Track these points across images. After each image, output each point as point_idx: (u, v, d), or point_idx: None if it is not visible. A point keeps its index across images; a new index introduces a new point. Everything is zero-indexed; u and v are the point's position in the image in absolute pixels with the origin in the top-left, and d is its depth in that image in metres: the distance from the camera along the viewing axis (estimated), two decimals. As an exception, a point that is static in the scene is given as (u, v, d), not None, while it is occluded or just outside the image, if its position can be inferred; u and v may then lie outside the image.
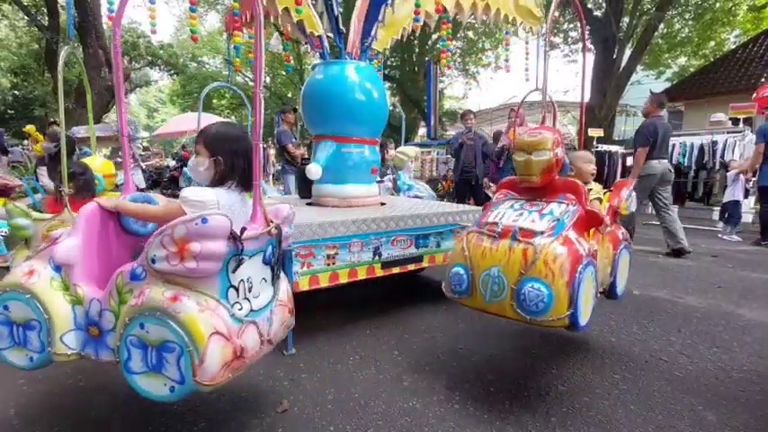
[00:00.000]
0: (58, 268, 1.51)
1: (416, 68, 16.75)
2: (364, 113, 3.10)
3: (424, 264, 2.94)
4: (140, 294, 1.34)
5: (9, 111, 15.37)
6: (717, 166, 7.88)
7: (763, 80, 10.78)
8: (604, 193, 2.31)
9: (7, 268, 3.07)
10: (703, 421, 1.76)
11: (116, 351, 1.39)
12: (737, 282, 3.85)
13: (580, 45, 14.61)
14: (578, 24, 13.72)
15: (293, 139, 6.13)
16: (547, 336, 2.53)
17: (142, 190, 6.42)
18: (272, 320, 1.56)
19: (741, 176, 6.05)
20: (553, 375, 2.13)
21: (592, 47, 13.12)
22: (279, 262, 1.63)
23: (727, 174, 6.37)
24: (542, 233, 1.75)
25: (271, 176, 7.54)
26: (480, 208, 2.64)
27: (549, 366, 2.22)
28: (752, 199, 7.10)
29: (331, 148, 3.07)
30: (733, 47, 14.28)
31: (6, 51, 17.22)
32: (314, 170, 2.96)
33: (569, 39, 15.22)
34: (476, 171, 5.81)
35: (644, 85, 15.09)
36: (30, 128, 6.51)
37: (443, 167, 11.10)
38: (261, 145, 1.48)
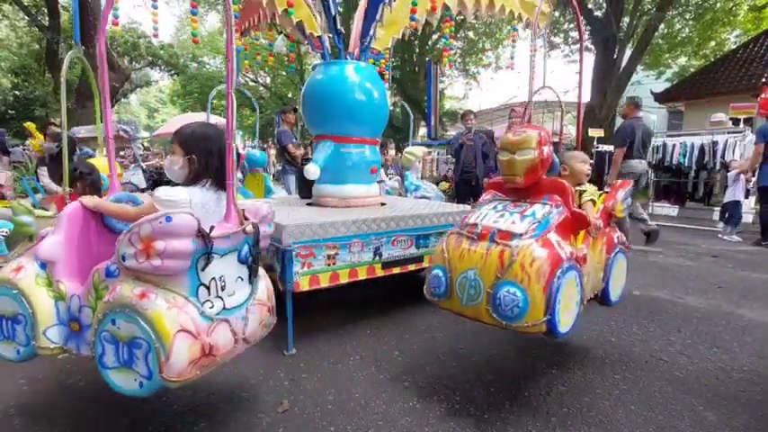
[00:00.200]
0: (43, 265, 1.57)
1: (416, 68, 16.75)
2: (364, 114, 3.10)
3: (425, 264, 2.94)
4: (113, 291, 1.38)
5: (10, 111, 15.38)
6: (717, 167, 7.87)
7: (763, 80, 10.77)
8: (600, 195, 2.23)
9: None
10: (704, 421, 1.76)
11: (92, 346, 1.43)
12: (738, 282, 3.85)
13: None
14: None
15: (293, 140, 6.13)
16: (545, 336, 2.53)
17: (143, 190, 6.43)
18: (247, 319, 1.57)
19: (742, 176, 6.05)
20: (553, 375, 2.13)
21: (592, 47, 13.13)
22: (257, 261, 1.64)
23: (728, 174, 6.36)
24: (521, 235, 1.69)
25: (270, 176, 7.53)
26: None
27: (549, 366, 2.22)
28: (752, 199, 7.09)
29: (330, 149, 3.07)
30: (733, 47, 14.27)
31: (7, 51, 17.22)
32: (312, 170, 2.96)
33: (570, 39, 15.21)
34: (476, 171, 5.81)
35: (644, 86, 15.10)
36: (29, 125, 6.53)
37: (444, 167, 11.11)
38: (233, 145, 1.50)
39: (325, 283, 2.43)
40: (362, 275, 2.58)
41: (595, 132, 9.66)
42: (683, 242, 5.86)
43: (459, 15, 3.70)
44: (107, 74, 1.92)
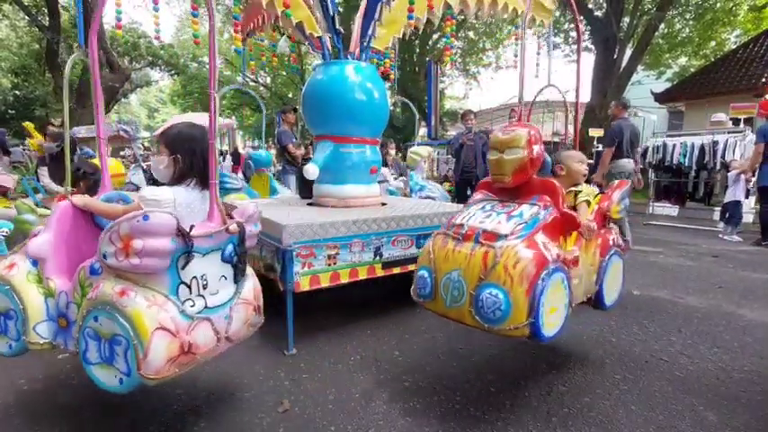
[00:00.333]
0: (35, 262, 1.61)
1: (417, 68, 16.76)
2: (364, 114, 3.10)
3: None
4: (96, 288, 1.41)
5: (10, 111, 15.37)
6: (717, 167, 7.87)
7: (763, 80, 10.77)
8: (596, 195, 2.16)
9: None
10: (704, 421, 1.76)
11: (77, 341, 1.46)
12: (738, 282, 3.84)
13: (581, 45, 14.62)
14: (580, 24, 13.72)
15: (294, 140, 6.13)
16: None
17: (143, 190, 6.43)
18: (231, 318, 1.58)
19: (742, 177, 6.05)
20: (554, 375, 2.13)
21: (592, 47, 13.12)
22: (243, 260, 1.65)
23: (729, 174, 6.36)
24: (506, 236, 1.65)
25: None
26: None
27: (549, 366, 2.22)
28: (752, 199, 7.09)
29: (329, 149, 3.07)
30: (734, 47, 14.26)
31: (7, 51, 17.21)
32: (311, 170, 2.97)
33: (570, 39, 15.21)
34: (476, 171, 5.81)
35: (645, 86, 15.09)
36: (27, 124, 6.54)
37: (444, 167, 11.10)
38: (216, 145, 1.52)
39: (325, 282, 2.43)
40: (363, 275, 2.58)
41: (596, 132, 9.67)
42: (684, 242, 5.86)
43: (460, 14, 3.68)
44: (99, 74, 1.95)
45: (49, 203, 2.97)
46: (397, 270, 2.75)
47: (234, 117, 21.22)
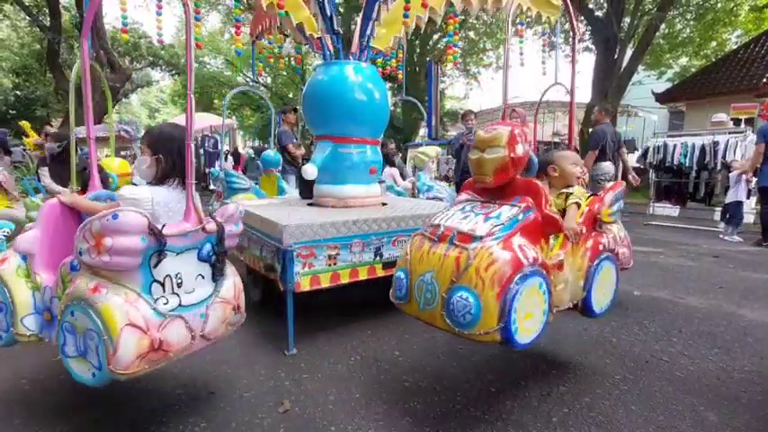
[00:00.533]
0: (24, 257, 1.67)
1: (417, 69, 16.76)
2: (363, 114, 3.10)
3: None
4: (73, 284, 1.45)
5: (11, 111, 15.41)
6: (718, 167, 7.86)
7: (764, 80, 10.76)
8: (588, 197, 2.07)
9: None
10: (705, 422, 1.76)
11: (56, 335, 1.50)
12: (739, 282, 3.84)
13: (581, 45, 14.60)
14: (581, 24, 13.71)
15: (294, 140, 6.14)
16: (547, 336, 2.53)
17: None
18: (208, 316, 1.60)
19: (744, 177, 6.04)
20: (554, 376, 2.13)
21: (593, 47, 13.12)
22: (221, 259, 1.67)
23: (730, 174, 6.36)
24: (481, 238, 1.59)
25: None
26: None
27: (549, 367, 2.22)
28: (753, 199, 7.09)
29: (328, 149, 3.08)
30: (734, 47, 14.26)
31: (8, 52, 17.24)
32: (309, 170, 2.98)
33: (570, 39, 15.21)
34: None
35: (645, 86, 15.09)
36: (24, 123, 6.56)
37: (444, 167, 11.10)
38: (192, 145, 1.54)
39: (325, 283, 2.43)
40: (363, 276, 2.58)
41: (596, 132, 9.65)
42: (684, 242, 5.86)
43: (462, 14, 3.66)
44: (89, 75, 2.01)
45: None
46: (397, 270, 2.75)
47: (234, 117, 21.24)
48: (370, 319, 2.82)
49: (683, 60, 17.44)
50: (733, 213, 6.10)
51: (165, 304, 1.46)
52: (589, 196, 2.08)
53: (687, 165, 8.26)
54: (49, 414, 1.80)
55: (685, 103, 13.12)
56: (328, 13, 3.10)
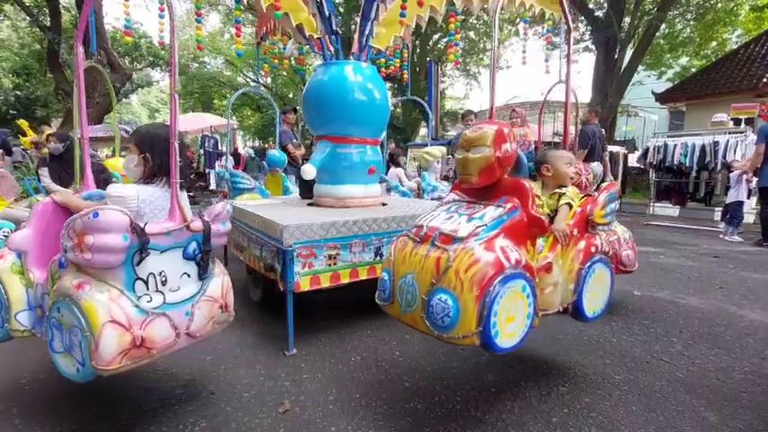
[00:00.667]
0: (20, 255, 1.70)
1: (417, 69, 16.77)
2: (362, 114, 3.10)
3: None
4: (60, 281, 1.48)
5: (11, 111, 15.39)
6: (718, 167, 7.86)
7: (765, 80, 10.76)
8: (582, 198, 2.02)
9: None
10: (705, 422, 1.76)
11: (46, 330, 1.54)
12: (739, 283, 3.84)
13: (582, 45, 14.60)
14: (581, 24, 13.71)
15: (294, 140, 6.14)
16: (547, 336, 2.53)
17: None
18: (193, 314, 1.62)
19: (744, 177, 6.05)
20: (554, 376, 2.13)
21: (593, 47, 13.11)
22: (207, 258, 1.69)
23: (731, 174, 6.36)
24: (462, 239, 1.54)
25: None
26: None
27: (549, 367, 2.22)
28: (753, 199, 7.09)
29: (327, 149, 3.08)
30: (735, 47, 14.26)
31: (8, 52, 17.24)
32: (308, 170, 2.99)
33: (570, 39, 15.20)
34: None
35: (646, 86, 15.09)
36: (22, 122, 6.57)
37: (444, 167, 11.09)
38: (176, 144, 1.56)
39: (326, 283, 2.43)
40: (364, 276, 2.58)
41: (596, 133, 9.65)
42: (685, 242, 5.85)
43: (464, 13, 3.65)
44: (83, 74, 2.02)
45: None
46: (397, 270, 2.75)
47: (234, 117, 21.25)
48: (370, 319, 2.82)
49: (684, 60, 17.45)
50: (734, 213, 6.10)
51: (148, 302, 1.49)
52: (583, 197, 2.03)
53: (687, 165, 8.27)
54: (49, 414, 1.80)
55: (685, 103, 13.12)
56: (326, 14, 3.10)
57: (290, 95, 21.26)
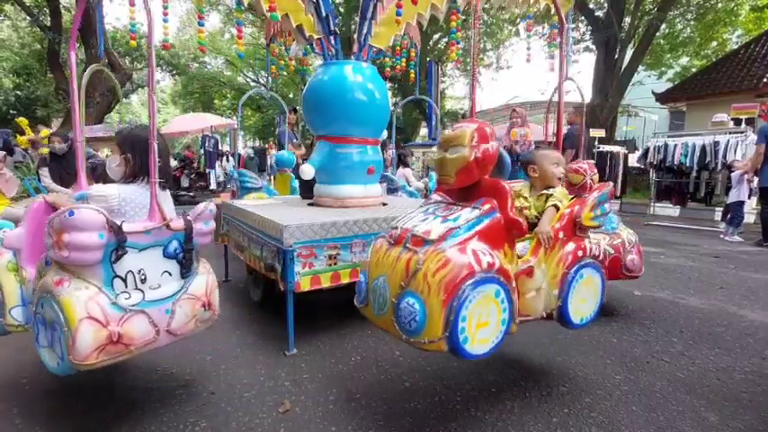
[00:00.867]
0: (15, 253, 1.74)
1: (417, 69, 16.75)
2: (361, 114, 3.09)
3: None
4: (44, 277, 1.54)
5: (11, 111, 15.41)
6: (719, 167, 7.86)
7: (765, 80, 10.76)
8: (571, 199, 1.93)
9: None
10: (705, 422, 1.76)
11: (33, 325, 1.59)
12: (740, 283, 3.84)
13: (582, 45, 14.60)
14: (581, 24, 13.71)
15: (294, 140, 6.15)
16: (548, 337, 2.53)
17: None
18: (174, 312, 1.64)
19: (745, 177, 6.05)
20: (554, 376, 2.12)
21: (593, 47, 13.11)
22: (189, 257, 1.72)
23: (732, 174, 6.37)
24: (433, 241, 1.49)
25: (271, 177, 7.52)
26: None
27: (550, 367, 2.22)
28: (754, 199, 7.10)
29: (325, 149, 3.08)
30: (735, 47, 14.25)
31: (9, 52, 17.25)
32: (306, 170, 2.99)
33: (570, 38, 15.20)
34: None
35: (646, 86, 15.09)
36: (21, 120, 6.57)
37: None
38: (155, 144, 1.60)
39: (326, 283, 2.43)
40: (364, 276, 2.58)
41: (596, 133, 9.66)
42: (685, 243, 5.85)
43: (465, 13, 3.64)
44: (75, 73, 2.05)
45: None
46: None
47: (234, 117, 21.25)
48: (370, 319, 2.82)
49: (684, 60, 17.44)
50: (735, 213, 6.10)
51: (126, 299, 1.52)
52: (572, 198, 1.94)
53: (688, 165, 8.27)
54: (49, 414, 1.80)
55: (686, 103, 13.12)
56: (323, 14, 3.10)
57: (290, 95, 21.26)
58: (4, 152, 5.27)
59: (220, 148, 12.92)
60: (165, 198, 1.73)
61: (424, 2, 3.35)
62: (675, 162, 8.44)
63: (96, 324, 1.41)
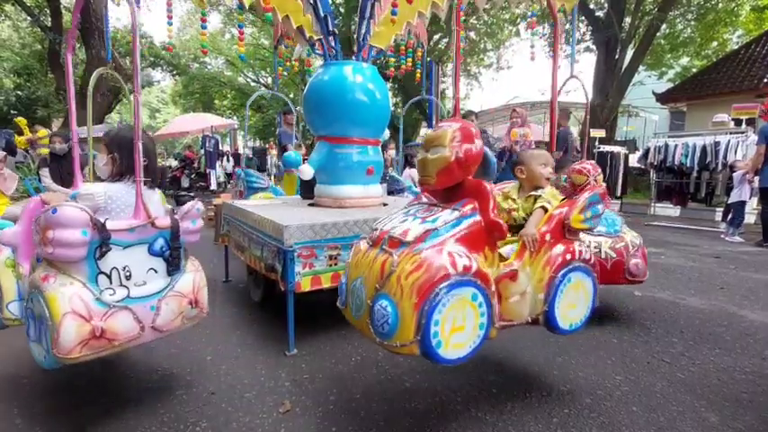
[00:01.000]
0: (13, 249, 1.81)
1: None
2: (361, 114, 3.09)
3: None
4: (34, 273, 1.58)
5: (12, 111, 15.41)
6: (719, 167, 7.86)
7: (766, 80, 10.75)
8: (561, 200, 1.88)
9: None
10: (705, 422, 1.76)
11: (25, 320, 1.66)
12: (740, 283, 3.84)
13: (582, 45, 14.60)
14: (581, 24, 13.70)
15: (294, 140, 6.15)
16: (548, 337, 2.53)
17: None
18: (159, 309, 1.67)
19: (747, 177, 6.05)
20: (555, 376, 2.12)
21: (593, 47, 13.10)
22: (176, 254, 1.75)
23: (734, 174, 6.37)
24: (408, 243, 1.46)
25: (273, 177, 7.55)
26: None
27: (550, 368, 2.22)
28: (754, 200, 7.09)
29: (324, 149, 3.09)
30: (735, 47, 14.25)
31: (9, 52, 17.26)
32: (306, 170, 3.00)
33: (570, 38, 15.20)
34: (477, 171, 5.81)
35: (646, 86, 15.08)
36: (20, 120, 6.58)
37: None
38: (140, 144, 1.63)
39: (326, 283, 2.43)
40: (364, 276, 2.58)
41: (597, 133, 9.67)
42: (685, 243, 5.85)
43: (466, 13, 3.65)
44: (71, 74, 2.07)
45: None
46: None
47: (235, 117, 21.27)
48: (370, 319, 2.82)
49: (684, 60, 17.43)
50: (736, 213, 6.10)
51: (111, 295, 1.55)
52: (563, 199, 1.89)
53: (688, 165, 8.27)
54: (49, 413, 1.80)
55: (686, 103, 13.11)
56: (321, 14, 3.11)
57: (291, 95, 21.26)
58: (5, 152, 5.27)
59: (221, 148, 12.92)
60: (152, 196, 1.76)
61: (424, 1, 3.35)
62: (676, 162, 8.44)
63: (80, 319, 1.44)
